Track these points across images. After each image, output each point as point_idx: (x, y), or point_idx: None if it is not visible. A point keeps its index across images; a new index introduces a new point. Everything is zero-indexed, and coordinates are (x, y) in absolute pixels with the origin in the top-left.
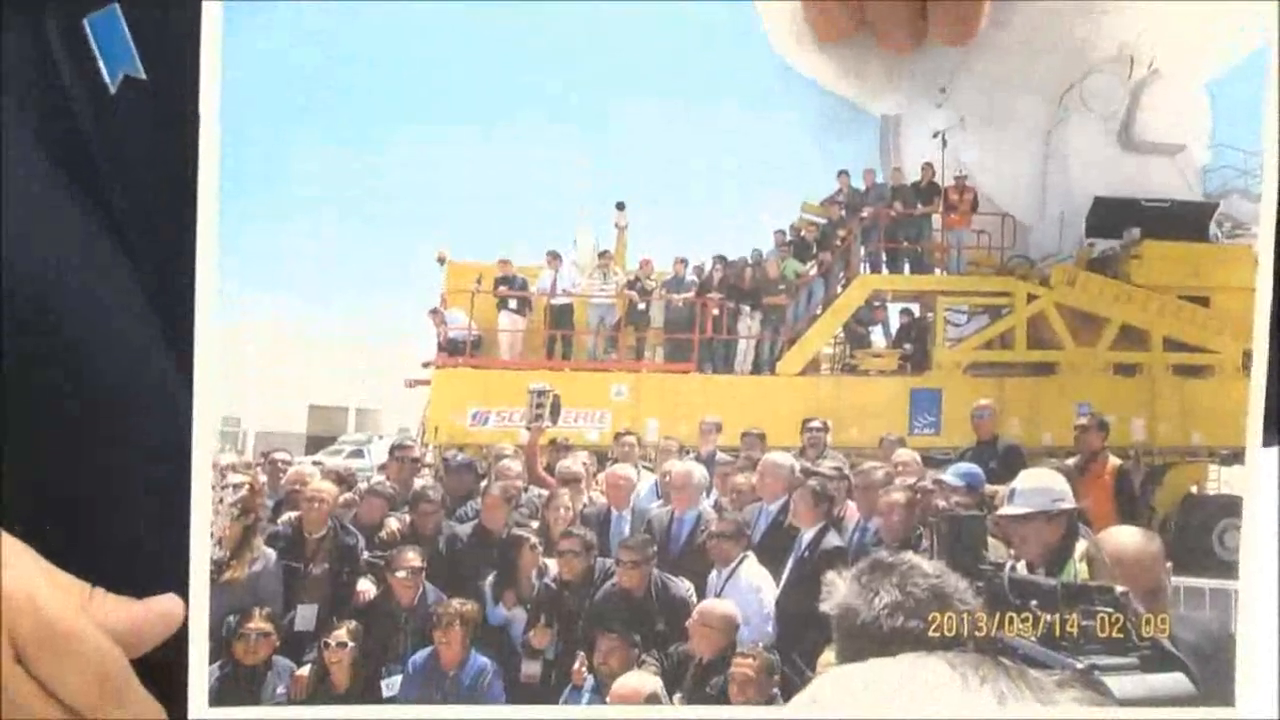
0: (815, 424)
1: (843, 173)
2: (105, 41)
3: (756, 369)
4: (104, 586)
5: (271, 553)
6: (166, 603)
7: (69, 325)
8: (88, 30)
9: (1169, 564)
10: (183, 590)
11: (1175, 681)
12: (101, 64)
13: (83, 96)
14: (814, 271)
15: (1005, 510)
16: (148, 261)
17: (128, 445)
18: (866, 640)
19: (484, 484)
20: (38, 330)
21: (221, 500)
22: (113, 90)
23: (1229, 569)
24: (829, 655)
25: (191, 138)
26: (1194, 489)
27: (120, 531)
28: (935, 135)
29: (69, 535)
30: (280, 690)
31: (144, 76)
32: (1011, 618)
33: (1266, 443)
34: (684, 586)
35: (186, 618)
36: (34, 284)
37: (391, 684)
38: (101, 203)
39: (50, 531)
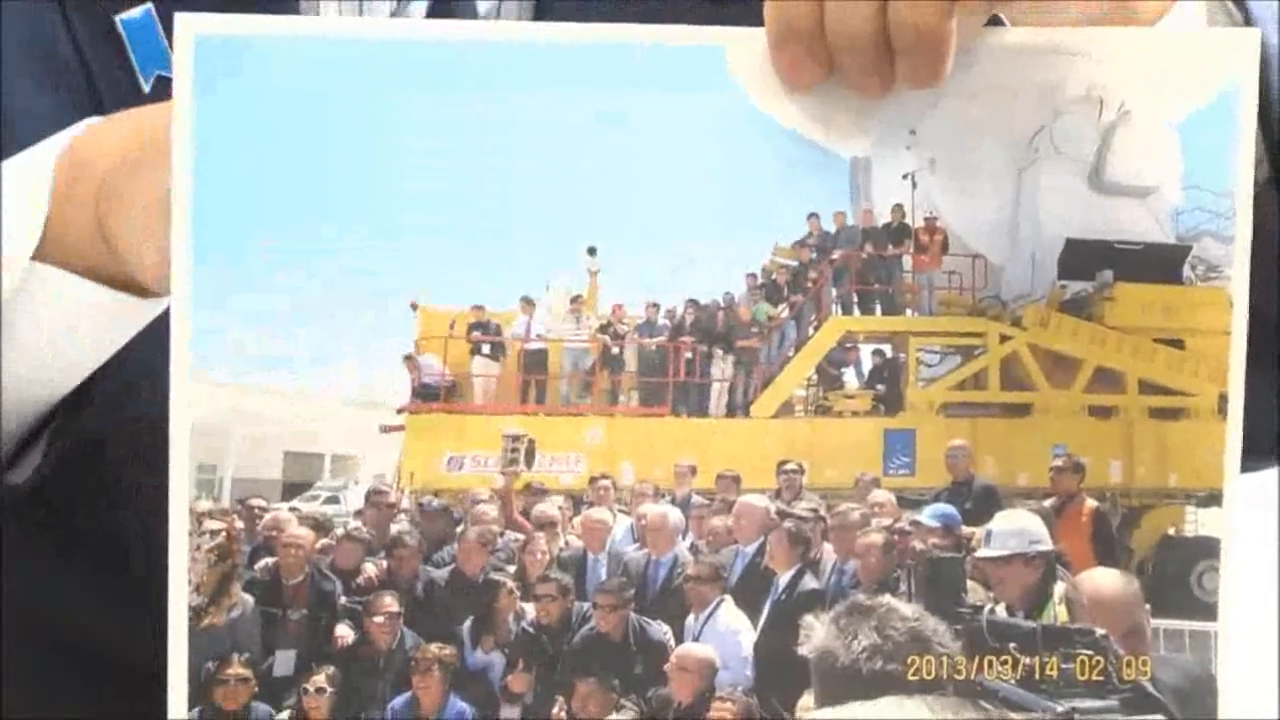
0: (790, 466)
1: (813, 215)
2: (139, 41)
3: (730, 411)
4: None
5: (249, 599)
6: None
7: None
8: (121, 29)
9: (1148, 606)
10: None
11: None
12: (135, 63)
13: (116, 96)
14: (786, 314)
15: (983, 552)
16: None
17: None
18: (845, 683)
19: (460, 529)
20: None
21: (199, 547)
22: (146, 89)
23: (1208, 610)
24: (808, 699)
25: None
26: (1172, 531)
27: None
28: (905, 177)
29: None
30: None
31: None
32: (991, 660)
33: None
34: (662, 630)
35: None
36: None
37: None
38: None
39: None
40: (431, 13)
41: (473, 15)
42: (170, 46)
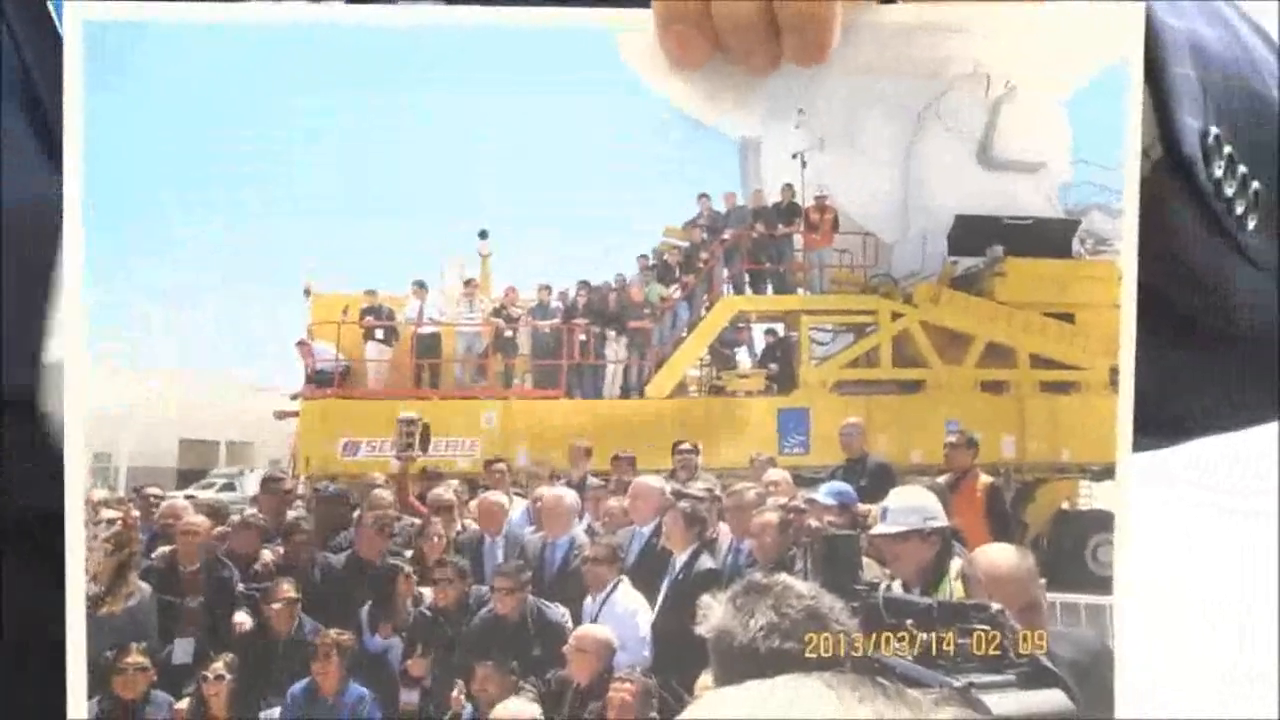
0: (685, 446)
1: (703, 196)
2: None
3: (625, 393)
4: None
5: (147, 587)
6: None
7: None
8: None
9: (1043, 580)
10: None
11: (1053, 698)
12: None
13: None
14: (678, 294)
15: (878, 529)
16: None
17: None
18: (743, 662)
19: (356, 514)
20: None
21: (95, 536)
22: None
23: (1103, 584)
24: (706, 678)
25: None
26: (1065, 505)
27: None
28: (795, 156)
29: None
30: None
31: None
32: (888, 637)
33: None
34: (559, 612)
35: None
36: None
37: (270, 715)
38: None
39: None
40: None
41: None
42: None
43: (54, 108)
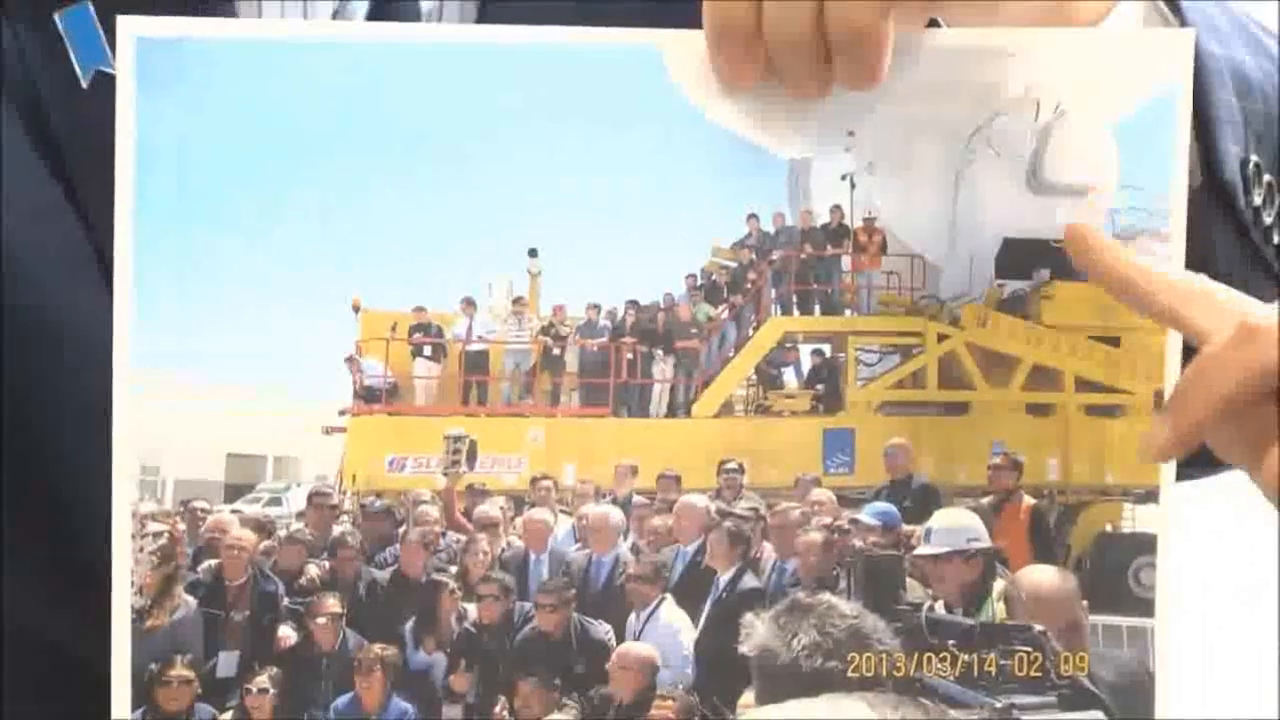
0: (731, 465)
1: (752, 216)
2: (78, 37)
3: (671, 412)
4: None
5: (192, 600)
6: None
7: (36, 323)
8: (60, 26)
9: (1085, 602)
10: None
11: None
12: (74, 59)
13: (56, 93)
14: (726, 315)
15: (922, 550)
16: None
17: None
18: (786, 681)
19: (402, 530)
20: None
21: (142, 549)
22: (85, 85)
23: (1145, 606)
24: (748, 697)
25: None
26: (1109, 527)
27: None
28: (844, 178)
29: None
30: None
31: (115, 71)
32: (930, 657)
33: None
34: (603, 629)
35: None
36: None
37: None
38: (72, 197)
39: None
40: (373, 10)
41: (415, 14)
42: (109, 42)
43: (56, 114)
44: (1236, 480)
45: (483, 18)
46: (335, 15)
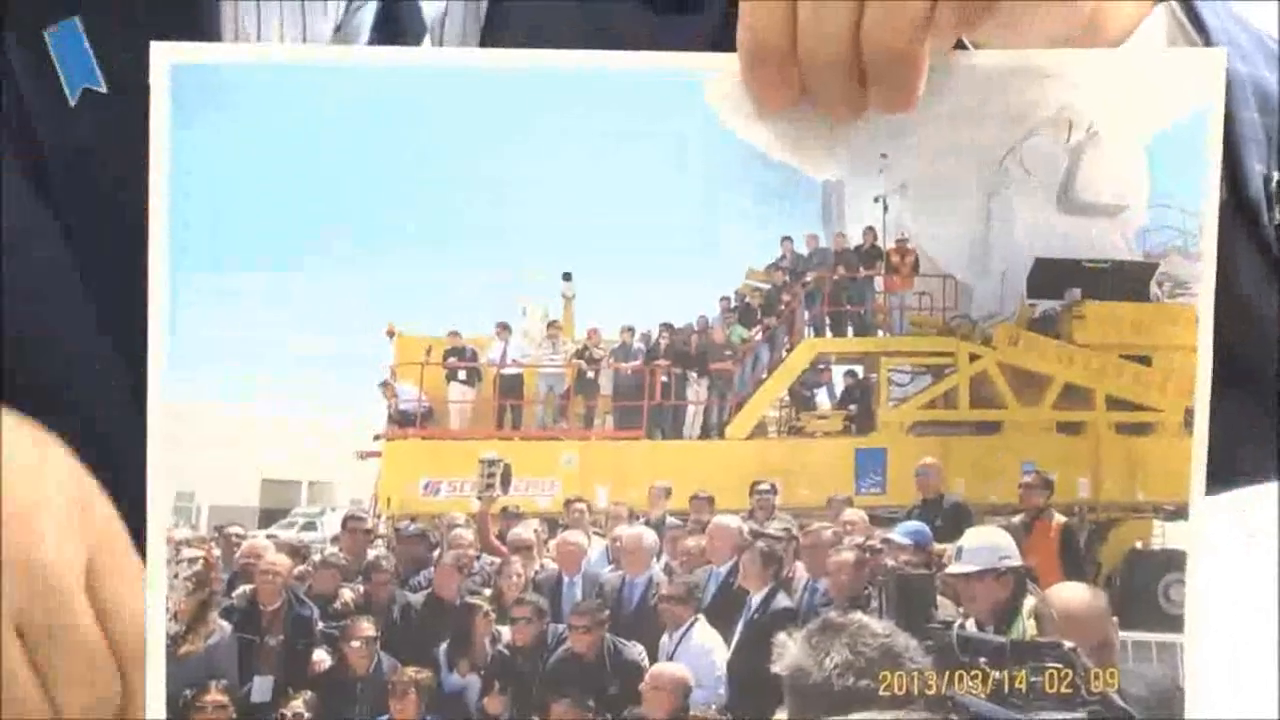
0: (763, 486)
1: (786, 238)
2: (65, 55)
3: (705, 434)
4: None
5: (227, 626)
6: None
7: (18, 342)
8: (48, 43)
9: (1115, 619)
10: None
11: None
12: (62, 76)
13: (43, 110)
14: (759, 336)
15: (953, 569)
16: (102, 276)
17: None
18: (818, 700)
19: (436, 553)
20: None
21: (176, 575)
22: (73, 103)
23: (1175, 623)
24: (781, 716)
25: None
26: (1139, 544)
27: None
28: (877, 200)
29: None
30: None
31: (104, 89)
32: (961, 675)
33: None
34: (636, 650)
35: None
36: None
37: None
38: (59, 215)
39: None
40: (380, 12)
41: (417, 16)
42: (98, 61)
43: (43, 132)
44: (1261, 493)
45: (490, 17)
46: (339, 27)
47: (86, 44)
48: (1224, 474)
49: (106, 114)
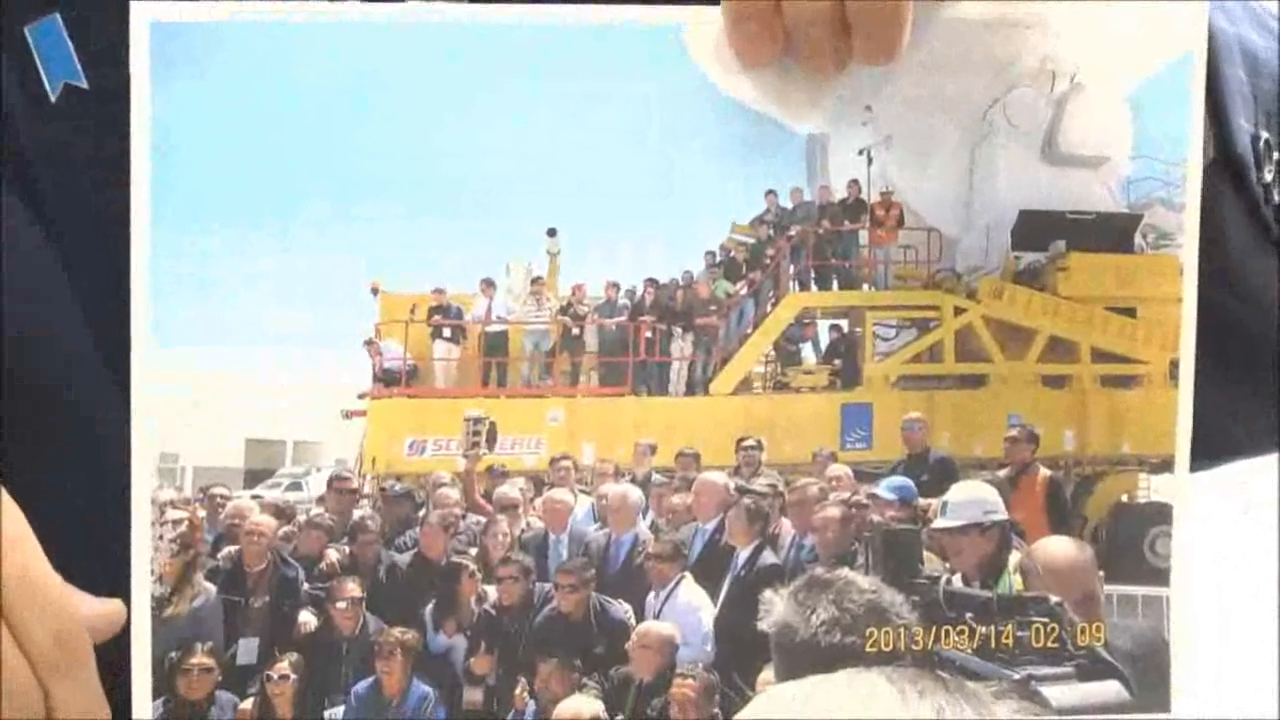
0: (749, 442)
1: (770, 192)
2: (46, 50)
3: (690, 390)
4: None
5: (212, 588)
6: (113, 605)
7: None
8: (29, 39)
9: (1101, 573)
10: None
11: (1111, 689)
12: (43, 72)
13: (23, 105)
14: (744, 291)
15: (939, 523)
16: (85, 271)
17: (59, 467)
18: (805, 657)
19: (422, 513)
20: None
21: (161, 537)
22: (54, 99)
23: (1161, 576)
24: (768, 673)
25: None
26: (1124, 498)
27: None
28: (861, 153)
29: None
30: None
31: (85, 85)
32: (948, 631)
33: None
34: (623, 609)
35: (127, 652)
36: None
37: (335, 715)
38: (41, 213)
39: None
40: None
41: None
42: (79, 55)
43: (23, 128)
44: (1259, 466)
45: None
46: None
47: (66, 39)
48: (1217, 447)
49: (88, 109)
